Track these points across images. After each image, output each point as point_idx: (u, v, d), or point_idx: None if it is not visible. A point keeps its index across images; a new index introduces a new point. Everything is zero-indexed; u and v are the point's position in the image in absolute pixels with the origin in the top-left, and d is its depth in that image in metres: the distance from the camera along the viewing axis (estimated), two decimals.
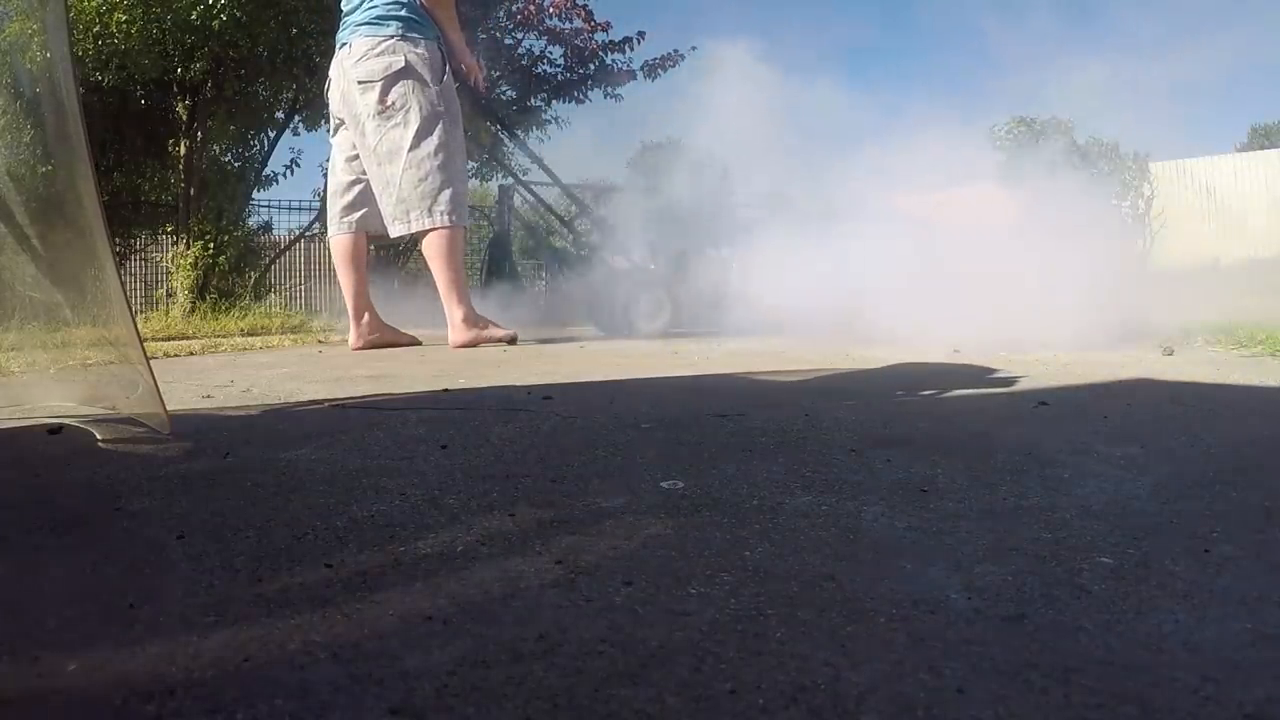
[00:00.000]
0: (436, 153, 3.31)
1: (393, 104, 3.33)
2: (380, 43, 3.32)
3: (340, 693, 0.51)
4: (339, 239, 3.54)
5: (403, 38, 3.31)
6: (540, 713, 0.49)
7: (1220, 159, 13.47)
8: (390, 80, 3.31)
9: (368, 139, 3.37)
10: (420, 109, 3.31)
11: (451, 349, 3.26)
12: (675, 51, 8.53)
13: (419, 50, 3.31)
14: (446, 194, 3.31)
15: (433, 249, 3.39)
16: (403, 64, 3.30)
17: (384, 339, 3.45)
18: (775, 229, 4.76)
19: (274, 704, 0.50)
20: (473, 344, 3.27)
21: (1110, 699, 0.50)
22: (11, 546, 0.81)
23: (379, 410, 1.63)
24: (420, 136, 3.30)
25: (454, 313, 3.35)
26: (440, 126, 3.33)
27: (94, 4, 5.76)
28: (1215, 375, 2.14)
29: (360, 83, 3.35)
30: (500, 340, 3.33)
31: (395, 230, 3.38)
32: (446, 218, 3.32)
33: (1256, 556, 0.76)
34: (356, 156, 3.45)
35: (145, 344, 2.17)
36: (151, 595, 0.67)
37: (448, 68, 3.43)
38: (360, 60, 3.34)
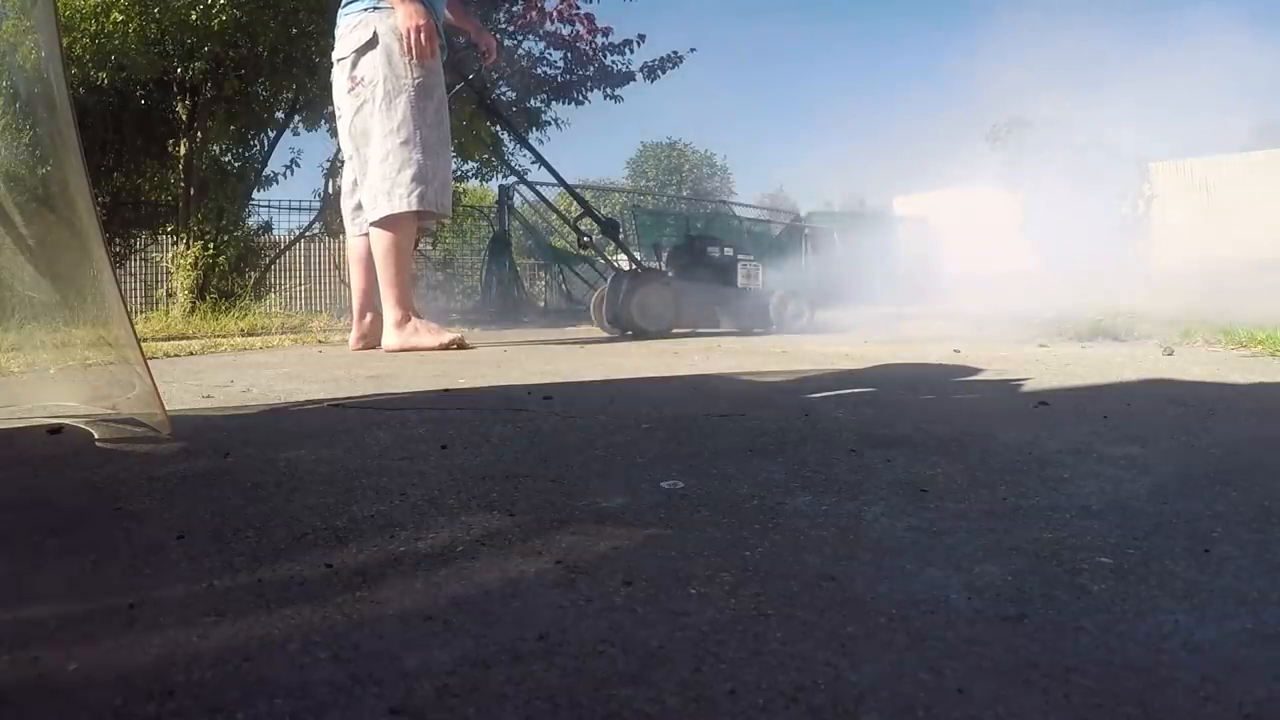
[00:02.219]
0: (399, 129, 3.11)
1: (360, 79, 3.17)
2: (355, 18, 3.21)
3: (340, 693, 0.51)
4: (351, 241, 3.48)
5: (375, 9, 3.18)
6: (540, 713, 0.49)
7: (1220, 159, 13.47)
8: (358, 55, 3.17)
9: (344, 120, 3.28)
10: (385, 81, 3.11)
11: (384, 351, 3.14)
12: (675, 53, 8.55)
13: (391, 21, 3.14)
14: (407, 174, 3.09)
15: (378, 240, 3.19)
16: (370, 36, 3.14)
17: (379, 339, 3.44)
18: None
19: (274, 704, 0.49)
20: (401, 350, 3.10)
21: (1110, 699, 0.50)
22: (11, 546, 0.81)
23: (379, 410, 1.63)
24: (383, 112, 3.11)
25: (388, 314, 3.19)
26: (405, 100, 3.11)
27: (90, 3, 5.75)
28: (1215, 375, 2.13)
29: (338, 61, 3.27)
30: (435, 349, 3.08)
31: (369, 219, 3.21)
32: (405, 201, 3.09)
33: (1256, 556, 0.76)
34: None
35: (145, 344, 2.16)
36: (151, 595, 0.67)
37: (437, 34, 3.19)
38: (339, 40, 3.27)
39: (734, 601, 0.65)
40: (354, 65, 3.21)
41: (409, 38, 3.11)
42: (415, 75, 3.14)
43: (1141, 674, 0.54)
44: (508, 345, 3.46)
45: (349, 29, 3.24)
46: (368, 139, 3.20)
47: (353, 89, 3.22)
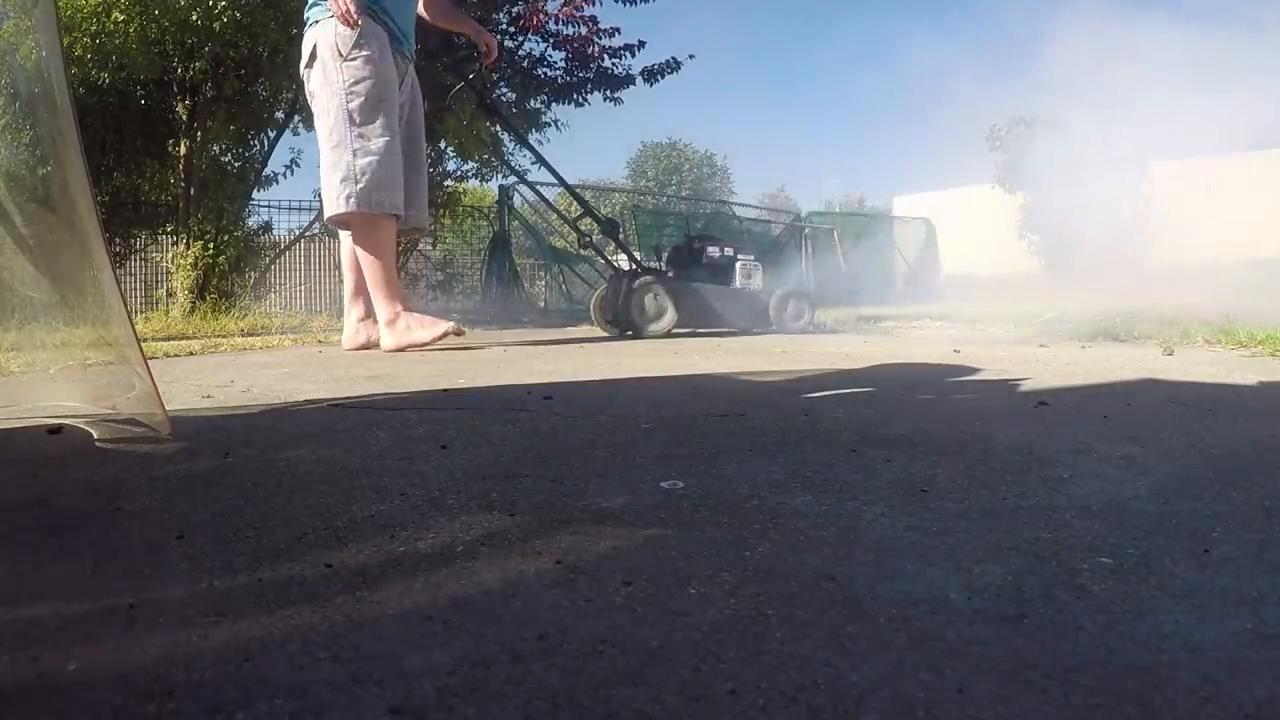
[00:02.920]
0: (331, 134, 3.16)
1: (311, 92, 3.26)
2: (305, 33, 3.28)
3: (340, 693, 0.51)
4: (344, 241, 3.53)
5: (315, 22, 3.22)
6: (540, 713, 0.49)
7: (1220, 159, 13.46)
8: (307, 70, 3.25)
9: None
10: (321, 90, 3.19)
11: (383, 352, 3.14)
12: (674, 59, 8.55)
13: (324, 31, 3.19)
14: (337, 178, 3.13)
15: (356, 241, 3.27)
16: (311, 49, 3.22)
17: (375, 339, 3.44)
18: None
19: (274, 704, 0.50)
20: (399, 349, 3.11)
21: (1110, 699, 0.50)
22: (11, 546, 0.81)
23: (379, 410, 1.63)
24: (322, 120, 3.19)
25: (380, 313, 3.20)
26: (337, 104, 3.13)
27: (91, 2, 5.75)
28: (1215, 375, 2.14)
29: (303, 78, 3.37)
30: (432, 341, 3.11)
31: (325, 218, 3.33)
32: (335, 204, 3.14)
33: (1256, 556, 0.76)
34: None
35: (145, 344, 2.15)
36: (151, 595, 0.67)
37: (373, 34, 3.17)
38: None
39: (734, 601, 0.65)
40: (308, 80, 3.28)
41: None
42: (345, 78, 3.15)
43: (1141, 674, 0.54)
44: (508, 345, 3.46)
45: (304, 41, 3.31)
46: (321, 146, 3.28)
47: (311, 101, 3.31)
